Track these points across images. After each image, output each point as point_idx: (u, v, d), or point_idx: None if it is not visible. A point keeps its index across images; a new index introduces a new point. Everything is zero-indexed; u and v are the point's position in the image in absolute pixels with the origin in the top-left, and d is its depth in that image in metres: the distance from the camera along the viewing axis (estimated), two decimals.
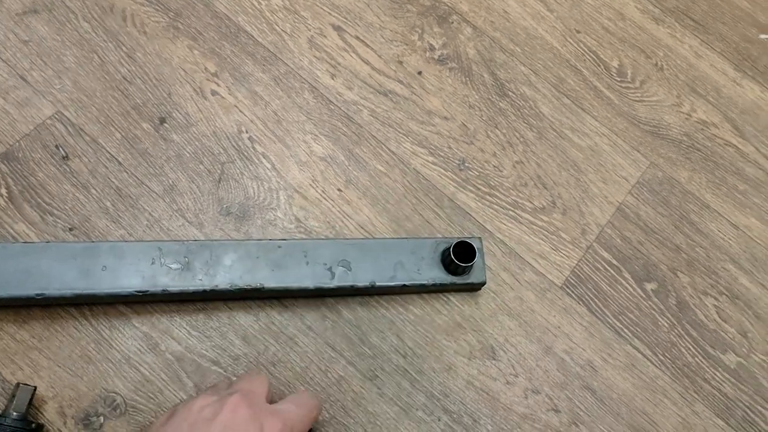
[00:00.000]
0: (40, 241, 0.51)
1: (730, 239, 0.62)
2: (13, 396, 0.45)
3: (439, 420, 0.52)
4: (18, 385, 0.45)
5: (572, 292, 0.58)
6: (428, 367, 0.54)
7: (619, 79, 0.68)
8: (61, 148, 0.56)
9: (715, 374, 0.57)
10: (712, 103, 0.69)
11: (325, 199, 0.58)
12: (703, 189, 0.64)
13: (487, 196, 0.61)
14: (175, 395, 0.50)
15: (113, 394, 0.49)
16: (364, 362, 0.53)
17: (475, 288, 0.56)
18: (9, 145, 0.55)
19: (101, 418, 0.48)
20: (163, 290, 0.49)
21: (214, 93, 0.61)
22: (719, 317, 0.59)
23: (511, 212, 0.60)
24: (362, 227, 0.58)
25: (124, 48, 0.61)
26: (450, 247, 0.53)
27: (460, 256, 0.53)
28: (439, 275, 0.54)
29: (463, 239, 0.53)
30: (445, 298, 0.56)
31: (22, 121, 0.56)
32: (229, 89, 0.61)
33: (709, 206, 0.64)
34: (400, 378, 0.53)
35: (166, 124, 0.58)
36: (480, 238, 0.56)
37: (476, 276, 0.55)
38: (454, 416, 0.53)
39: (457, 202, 0.60)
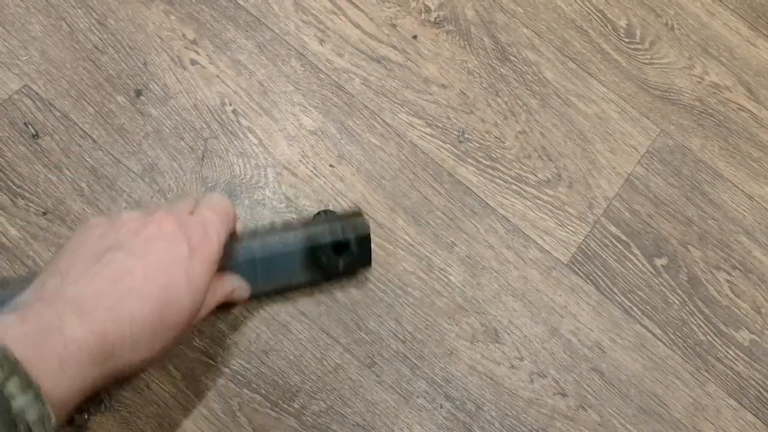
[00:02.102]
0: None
1: (744, 210, 0.59)
2: None
3: (441, 407, 0.50)
4: None
5: (579, 269, 0.55)
6: (429, 352, 0.51)
7: (627, 41, 0.64)
8: (30, 126, 0.52)
9: (728, 352, 0.54)
10: (726, 65, 0.65)
11: (316, 176, 0.55)
12: (716, 157, 0.61)
13: (489, 170, 0.57)
14: (162, 388, 0.47)
15: None
16: (361, 348, 0.50)
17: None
18: None
19: (85, 415, 0.46)
20: None
21: (193, 62, 0.56)
22: (732, 293, 0.56)
23: (514, 186, 0.57)
24: (357, 205, 0.54)
25: (94, 14, 0.56)
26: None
27: None
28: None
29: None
30: (445, 279, 0.53)
31: None
32: (210, 58, 0.57)
33: (722, 175, 0.60)
34: (400, 364, 0.50)
35: (142, 97, 0.54)
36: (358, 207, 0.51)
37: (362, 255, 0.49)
38: (457, 403, 0.50)
39: (457, 177, 0.56)
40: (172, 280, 0.36)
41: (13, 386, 0.29)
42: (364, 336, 0.51)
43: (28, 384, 0.29)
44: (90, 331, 0.33)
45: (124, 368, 0.35)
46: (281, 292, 0.50)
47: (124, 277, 0.35)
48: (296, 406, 0.48)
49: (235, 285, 0.44)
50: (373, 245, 0.49)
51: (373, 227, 0.53)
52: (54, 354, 0.32)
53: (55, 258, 0.38)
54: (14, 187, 0.50)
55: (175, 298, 0.36)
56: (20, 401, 0.29)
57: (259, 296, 0.49)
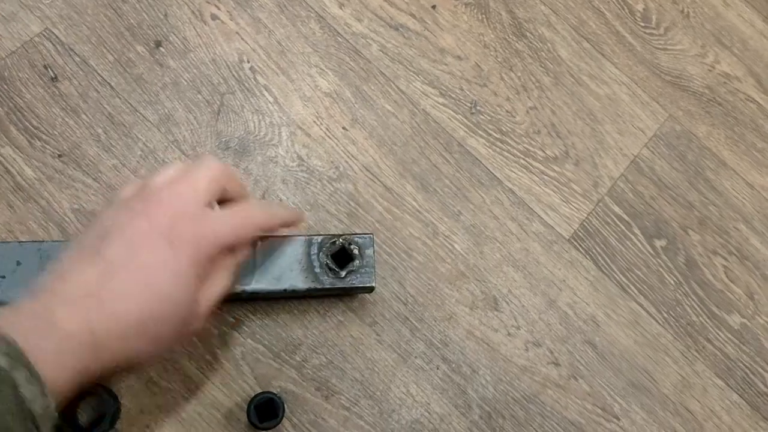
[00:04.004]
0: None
1: (744, 198, 0.60)
2: None
3: (438, 369, 0.51)
4: None
5: (580, 245, 0.56)
6: (429, 315, 0.52)
7: (643, 25, 0.64)
8: (49, 69, 0.52)
9: (719, 334, 0.56)
10: (737, 56, 0.66)
11: (329, 137, 0.55)
12: (721, 145, 0.62)
13: (498, 143, 0.58)
14: None
15: None
16: (363, 308, 0.51)
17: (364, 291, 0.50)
18: None
19: None
20: None
21: (214, 17, 0.57)
22: (727, 277, 0.58)
23: (522, 161, 0.58)
24: (367, 168, 0.55)
25: None
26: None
27: (261, 410, 0.45)
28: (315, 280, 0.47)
29: (267, 393, 0.45)
30: (449, 246, 0.54)
31: (8, 38, 0.52)
32: (231, 14, 0.57)
33: (726, 163, 0.61)
34: (400, 325, 0.52)
35: (162, 48, 0.55)
36: (371, 234, 0.48)
37: (362, 280, 0.47)
38: (453, 366, 0.52)
39: (466, 147, 0.57)
40: (157, 279, 0.36)
41: (20, 376, 0.29)
42: (367, 296, 0.52)
43: (33, 375, 0.29)
44: (79, 324, 0.33)
45: (119, 360, 0.35)
46: (278, 297, 0.50)
47: (114, 272, 0.35)
48: (297, 358, 0.49)
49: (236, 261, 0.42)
50: (378, 253, 0.49)
51: (381, 191, 0.55)
52: (50, 345, 0.32)
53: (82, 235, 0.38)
54: (32, 128, 0.51)
55: (162, 294, 0.36)
56: (26, 392, 0.29)
57: (256, 299, 0.50)
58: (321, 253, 0.47)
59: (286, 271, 0.47)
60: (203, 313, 0.39)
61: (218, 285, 0.40)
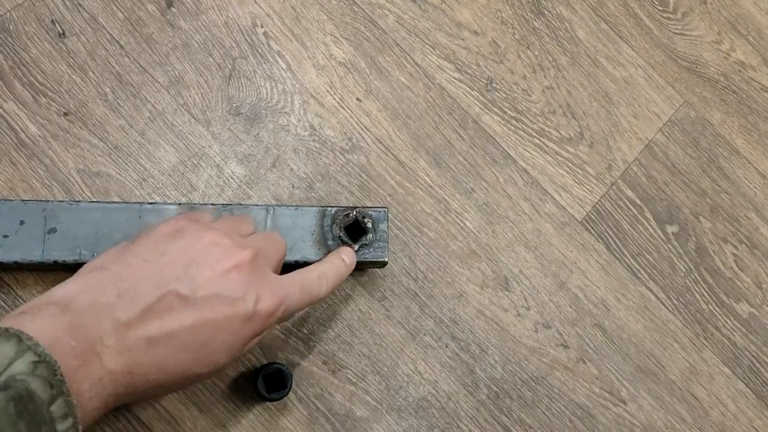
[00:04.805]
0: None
1: (756, 188, 0.60)
2: None
3: (447, 347, 0.50)
4: None
5: (592, 228, 0.56)
6: (439, 292, 0.51)
7: (661, 8, 0.64)
8: (57, 24, 0.50)
9: (727, 322, 0.56)
10: (753, 45, 0.65)
11: (342, 107, 0.54)
12: (735, 134, 0.61)
13: (513, 121, 0.57)
14: None
15: None
16: (373, 282, 0.50)
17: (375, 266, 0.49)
18: None
19: None
20: None
21: None
22: (737, 266, 0.57)
23: (536, 140, 0.57)
24: (380, 141, 0.54)
25: None
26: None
27: (269, 381, 0.44)
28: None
29: (275, 364, 0.44)
30: (461, 223, 0.53)
31: None
32: None
33: (739, 152, 0.61)
34: (410, 301, 0.51)
35: (173, 8, 0.53)
36: (386, 209, 0.48)
37: (375, 255, 0.47)
38: (462, 344, 0.51)
39: (481, 125, 0.56)
40: (216, 339, 0.35)
41: (57, 409, 0.28)
42: (377, 270, 0.51)
43: (70, 410, 0.28)
44: (124, 364, 0.32)
45: (138, 400, 0.36)
46: (289, 268, 0.48)
47: (173, 321, 0.34)
48: (305, 331, 0.48)
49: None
50: (390, 227, 0.48)
51: (394, 165, 0.53)
52: (89, 379, 0.31)
53: (121, 257, 0.36)
54: (37, 84, 0.49)
55: (211, 356, 0.35)
56: (60, 428, 0.28)
57: None
58: (334, 225, 0.46)
59: (298, 242, 0.46)
60: (232, 361, 0.38)
61: (255, 343, 0.39)
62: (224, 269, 0.35)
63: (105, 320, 0.32)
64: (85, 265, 0.37)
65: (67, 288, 0.34)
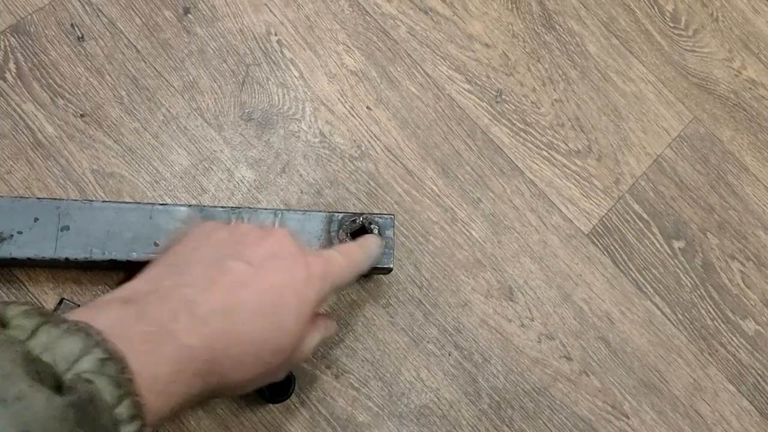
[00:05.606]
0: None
1: (765, 205, 0.60)
2: (55, 311, 0.43)
3: (450, 355, 0.51)
4: (62, 300, 0.44)
5: (598, 241, 0.56)
6: (443, 300, 0.52)
7: (672, 25, 0.64)
8: (76, 28, 0.52)
9: (732, 339, 0.55)
10: (764, 63, 0.65)
11: (352, 115, 0.55)
12: (744, 151, 0.61)
13: (522, 133, 0.58)
14: None
15: None
16: (378, 288, 0.51)
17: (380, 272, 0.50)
18: (20, 17, 0.51)
19: None
20: None
21: None
22: (743, 283, 0.57)
23: (544, 152, 0.57)
24: (389, 149, 0.54)
25: None
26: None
27: (273, 384, 0.44)
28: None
29: None
30: (467, 233, 0.54)
31: None
32: None
33: (748, 169, 0.61)
34: (414, 309, 0.51)
35: (190, 15, 0.54)
36: (392, 216, 0.48)
37: (381, 261, 0.47)
38: (465, 353, 0.51)
39: (489, 136, 0.57)
40: (284, 301, 0.35)
41: (124, 410, 0.26)
42: (382, 277, 0.51)
43: (137, 412, 0.27)
44: (201, 338, 0.31)
45: (222, 387, 0.33)
46: None
47: (239, 290, 0.34)
48: None
49: (330, 328, 0.44)
50: (396, 235, 0.48)
51: (402, 173, 0.54)
52: (167, 361, 0.29)
53: (171, 252, 0.37)
54: (55, 86, 0.50)
55: (283, 320, 0.35)
56: (125, 431, 0.26)
57: None
58: (341, 231, 0.47)
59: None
60: (302, 357, 0.39)
61: (319, 335, 0.40)
62: (269, 244, 0.37)
63: (173, 301, 0.32)
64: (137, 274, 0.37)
65: (128, 285, 0.34)
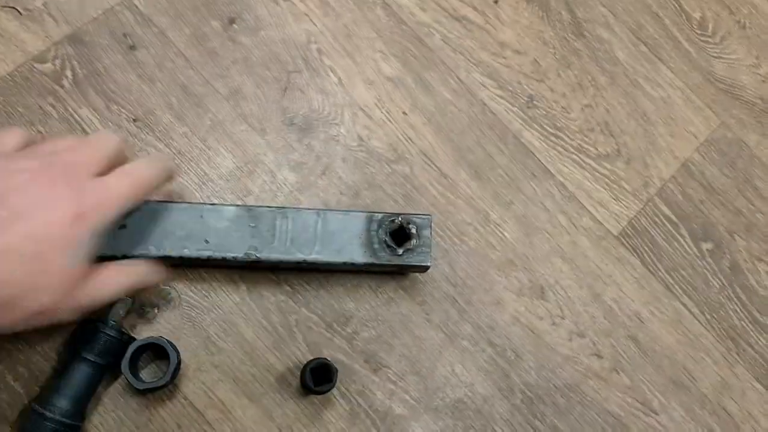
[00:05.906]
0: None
1: None
2: (111, 306, 0.46)
3: (483, 351, 0.53)
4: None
5: (627, 243, 0.57)
6: (477, 299, 0.54)
7: (699, 32, 0.65)
8: (128, 37, 0.54)
9: (760, 339, 0.57)
10: None
11: (389, 120, 0.57)
12: None
13: (552, 137, 0.59)
14: (228, 296, 0.50)
15: (168, 288, 0.49)
16: (414, 286, 0.53)
17: (417, 270, 0.51)
18: (76, 27, 0.54)
19: (155, 309, 0.49)
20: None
21: None
22: None
23: (575, 156, 0.59)
24: (424, 153, 0.57)
25: None
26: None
27: (316, 374, 0.47)
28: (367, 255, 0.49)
29: (320, 359, 0.47)
30: (500, 233, 0.56)
31: (90, 5, 0.55)
32: None
33: None
34: (449, 306, 0.53)
35: (235, 25, 0.57)
36: (430, 216, 0.49)
37: (418, 259, 0.49)
38: (498, 349, 0.53)
39: (521, 140, 0.59)
40: (44, 249, 0.36)
41: None
42: (418, 275, 0.53)
43: None
44: None
45: None
46: (336, 270, 0.51)
47: (2, 235, 0.35)
48: (348, 330, 0.51)
49: (141, 274, 0.44)
50: (432, 235, 0.49)
51: (437, 176, 0.56)
52: None
53: None
54: (109, 92, 0.53)
55: (50, 259, 0.36)
56: None
57: (314, 269, 0.51)
58: (380, 230, 0.49)
59: (346, 244, 0.48)
60: (91, 301, 0.40)
61: (118, 279, 0.42)
62: (37, 187, 0.37)
63: None
64: None
65: None
